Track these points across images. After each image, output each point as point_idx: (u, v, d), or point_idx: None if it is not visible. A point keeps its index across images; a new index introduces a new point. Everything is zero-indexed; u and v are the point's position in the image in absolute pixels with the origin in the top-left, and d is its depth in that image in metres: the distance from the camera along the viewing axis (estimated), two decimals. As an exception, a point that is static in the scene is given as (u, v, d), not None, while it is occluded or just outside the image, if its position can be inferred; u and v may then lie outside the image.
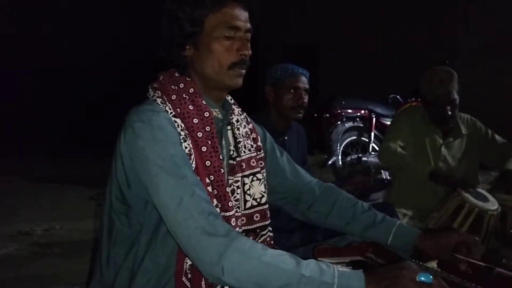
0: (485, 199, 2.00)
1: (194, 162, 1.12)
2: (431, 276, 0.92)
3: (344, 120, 4.51)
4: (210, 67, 1.19)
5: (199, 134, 1.15)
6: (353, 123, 4.56)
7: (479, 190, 2.09)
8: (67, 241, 3.14)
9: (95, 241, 3.01)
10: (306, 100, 2.31)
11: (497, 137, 2.50)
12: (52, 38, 8.79)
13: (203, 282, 1.11)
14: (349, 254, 1.25)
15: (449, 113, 2.37)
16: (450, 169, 2.40)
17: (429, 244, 1.26)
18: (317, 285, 0.94)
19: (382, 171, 3.53)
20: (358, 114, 4.61)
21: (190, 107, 1.17)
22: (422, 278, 0.91)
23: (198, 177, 1.11)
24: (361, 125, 4.60)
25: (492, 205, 1.97)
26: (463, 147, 2.49)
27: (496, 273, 1.11)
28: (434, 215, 2.14)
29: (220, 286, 1.10)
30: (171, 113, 1.15)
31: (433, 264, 1.18)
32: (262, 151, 1.34)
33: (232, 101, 1.32)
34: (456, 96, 2.36)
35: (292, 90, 2.25)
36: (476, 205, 1.95)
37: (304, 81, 2.29)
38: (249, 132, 1.32)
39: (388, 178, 3.43)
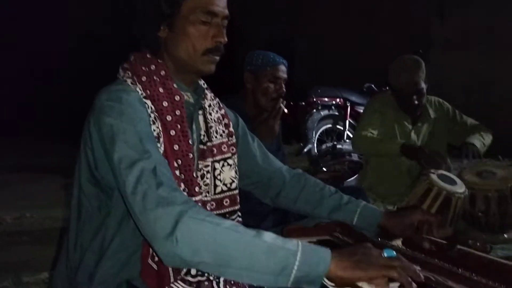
0: (453, 182, 2.04)
1: (162, 146, 1.11)
2: (394, 252, 0.95)
3: (319, 108, 4.55)
4: (184, 51, 1.18)
5: (168, 118, 1.14)
6: (329, 111, 4.61)
7: (447, 173, 2.13)
8: (38, 229, 3.08)
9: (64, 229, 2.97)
10: (284, 90, 2.29)
11: (464, 117, 2.54)
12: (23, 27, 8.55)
13: None
14: (317, 234, 1.26)
15: (416, 102, 2.40)
16: None
17: (393, 223, 1.28)
18: (279, 252, 0.90)
19: (353, 154, 3.59)
20: (334, 102, 4.65)
21: (161, 89, 1.15)
22: (385, 254, 0.94)
23: (166, 160, 1.09)
24: (336, 113, 4.65)
25: (460, 188, 2.01)
26: (432, 131, 2.54)
27: (458, 249, 1.14)
28: (405, 199, 2.18)
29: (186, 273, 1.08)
30: (141, 94, 1.13)
31: (398, 243, 1.21)
32: (233, 136, 1.34)
33: (205, 85, 1.31)
34: (422, 86, 2.38)
35: (272, 79, 2.23)
36: (443, 188, 1.99)
37: (284, 71, 2.26)
38: (221, 118, 1.32)
39: (360, 160, 3.50)
